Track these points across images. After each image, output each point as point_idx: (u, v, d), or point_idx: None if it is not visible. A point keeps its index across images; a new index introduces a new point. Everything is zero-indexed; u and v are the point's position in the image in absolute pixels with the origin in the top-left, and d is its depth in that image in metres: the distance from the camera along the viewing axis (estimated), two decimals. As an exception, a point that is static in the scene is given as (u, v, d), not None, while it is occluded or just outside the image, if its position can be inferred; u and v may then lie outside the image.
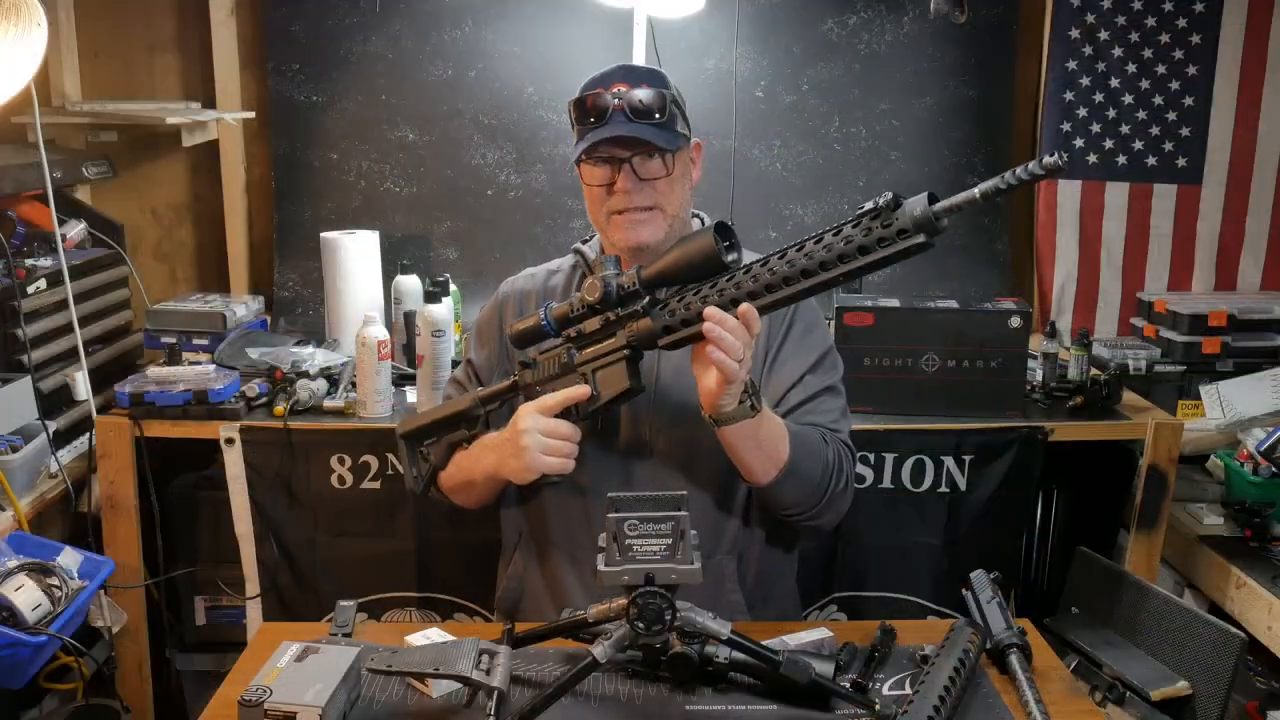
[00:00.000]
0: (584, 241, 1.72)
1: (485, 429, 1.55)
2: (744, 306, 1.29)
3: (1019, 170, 1.11)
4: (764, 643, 1.31)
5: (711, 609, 1.31)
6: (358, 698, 1.31)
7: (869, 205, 1.19)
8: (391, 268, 2.52)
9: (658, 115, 1.49)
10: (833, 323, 2.22)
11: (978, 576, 1.49)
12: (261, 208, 2.85)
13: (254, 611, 2.25)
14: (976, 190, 1.13)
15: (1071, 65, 2.85)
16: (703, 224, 1.66)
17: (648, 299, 1.39)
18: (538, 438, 1.43)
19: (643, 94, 1.48)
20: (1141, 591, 2.12)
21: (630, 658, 1.31)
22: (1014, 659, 1.37)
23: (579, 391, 1.44)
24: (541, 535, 1.63)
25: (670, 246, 1.37)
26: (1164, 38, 2.84)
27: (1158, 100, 2.87)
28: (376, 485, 2.16)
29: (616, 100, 1.48)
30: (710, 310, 1.30)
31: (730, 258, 1.32)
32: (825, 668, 1.30)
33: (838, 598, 2.30)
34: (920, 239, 1.15)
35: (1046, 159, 1.09)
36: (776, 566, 1.68)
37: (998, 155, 2.90)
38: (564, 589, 1.60)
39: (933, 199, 1.16)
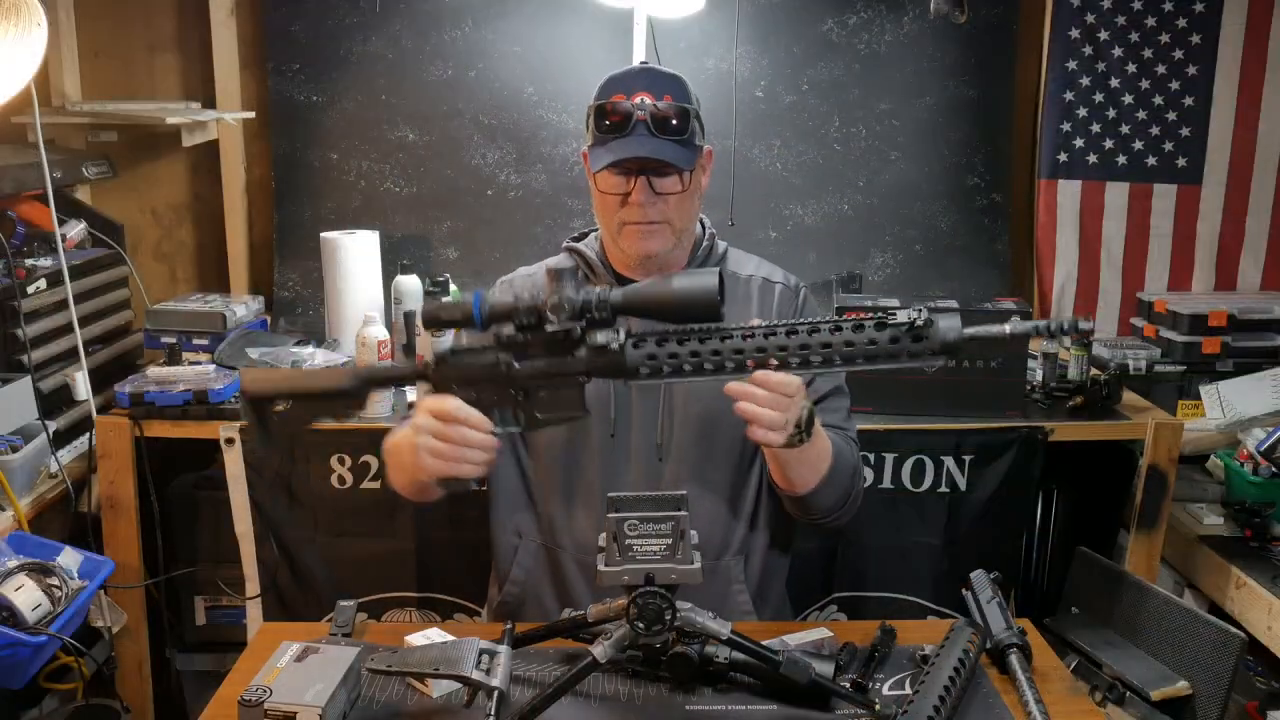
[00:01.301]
0: (577, 239, 1.70)
1: (362, 406, 1.39)
2: (781, 378, 1.23)
3: (1051, 324, 1.14)
4: (764, 643, 1.31)
5: (720, 610, 1.31)
6: (358, 698, 1.31)
7: (904, 318, 1.15)
8: (391, 268, 2.52)
9: (681, 132, 1.48)
10: (833, 323, 2.21)
11: (978, 576, 1.49)
12: (261, 208, 2.85)
13: (254, 611, 2.25)
14: (1006, 328, 1.14)
15: (1071, 65, 2.85)
16: (703, 228, 1.66)
17: (624, 333, 1.24)
18: (428, 439, 1.30)
19: (667, 107, 1.47)
20: (1141, 591, 2.12)
21: (630, 658, 1.31)
22: (1014, 659, 1.37)
23: (480, 425, 1.29)
24: (550, 538, 1.63)
25: (656, 282, 1.23)
26: (1164, 38, 2.84)
27: (1158, 100, 2.88)
28: (376, 485, 2.16)
29: (640, 111, 1.46)
30: (737, 388, 1.23)
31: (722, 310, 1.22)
32: (825, 668, 1.30)
33: (838, 598, 2.30)
34: (943, 360, 1.16)
35: (1082, 323, 1.13)
36: (774, 569, 1.69)
37: (998, 155, 2.90)
38: (573, 591, 1.60)
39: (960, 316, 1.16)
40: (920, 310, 1.14)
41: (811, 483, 1.48)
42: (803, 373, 1.21)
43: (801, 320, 1.20)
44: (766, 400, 1.26)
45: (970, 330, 1.15)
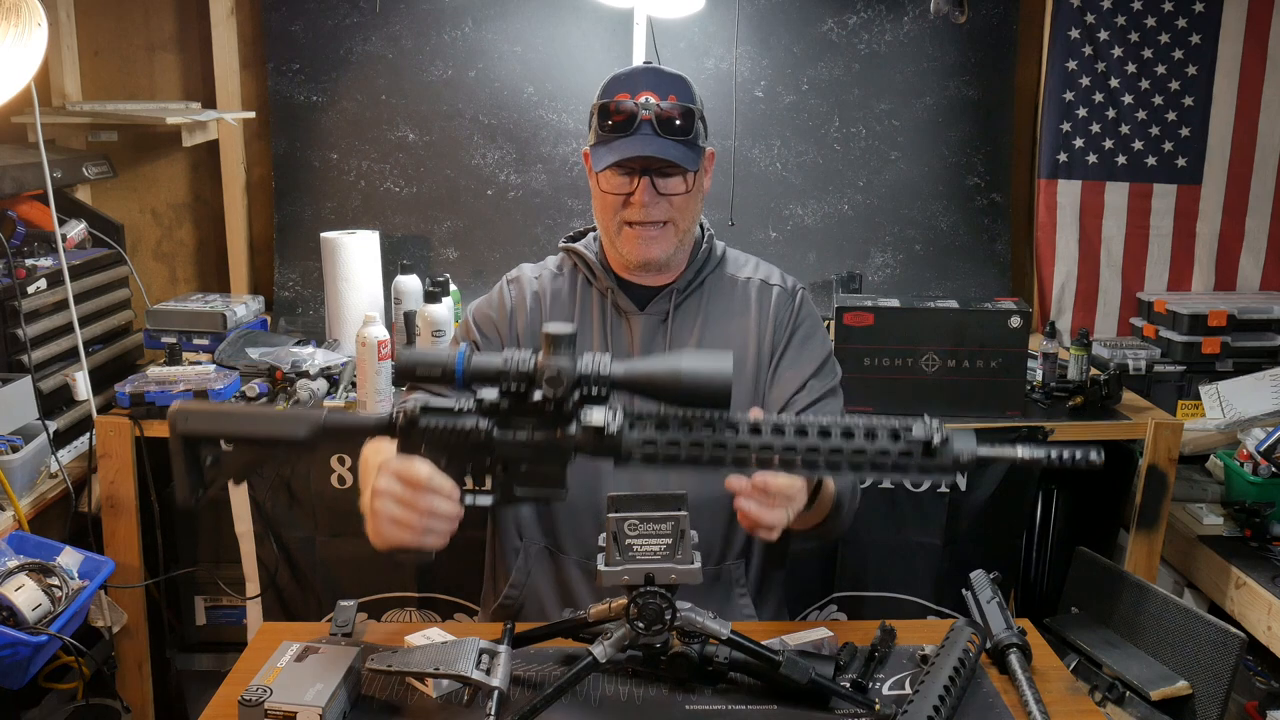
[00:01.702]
0: (572, 239, 1.67)
1: (314, 457, 1.29)
2: (783, 483, 1.20)
3: (1064, 454, 1.12)
4: (764, 643, 1.31)
5: (722, 613, 1.30)
6: (358, 698, 1.31)
7: (919, 433, 1.12)
8: (391, 268, 2.53)
9: (686, 132, 1.48)
10: (833, 323, 2.22)
11: (978, 576, 1.49)
12: (261, 208, 2.85)
13: (254, 611, 2.25)
14: (1017, 452, 1.14)
15: (1071, 65, 2.85)
16: (702, 230, 1.64)
17: (620, 412, 1.16)
18: (390, 505, 1.19)
19: (672, 107, 1.47)
20: (1141, 591, 2.12)
21: (630, 658, 1.31)
22: (1014, 659, 1.37)
23: (450, 495, 1.19)
24: (552, 541, 1.63)
25: (663, 360, 1.15)
26: (1164, 38, 2.85)
27: (1158, 100, 2.88)
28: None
29: (645, 111, 1.46)
30: (737, 484, 1.20)
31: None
32: (825, 668, 1.30)
33: (838, 598, 2.30)
34: (954, 477, 1.15)
35: (1092, 455, 1.12)
36: (773, 573, 1.69)
37: (998, 155, 2.91)
38: (574, 594, 1.60)
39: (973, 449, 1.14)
40: (938, 427, 1.12)
41: (814, 521, 1.49)
42: (806, 474, 1.18)
43: (812, 420, 1.15)
44: (767, 502, 1.22)
45: (983, 450, 1.13)
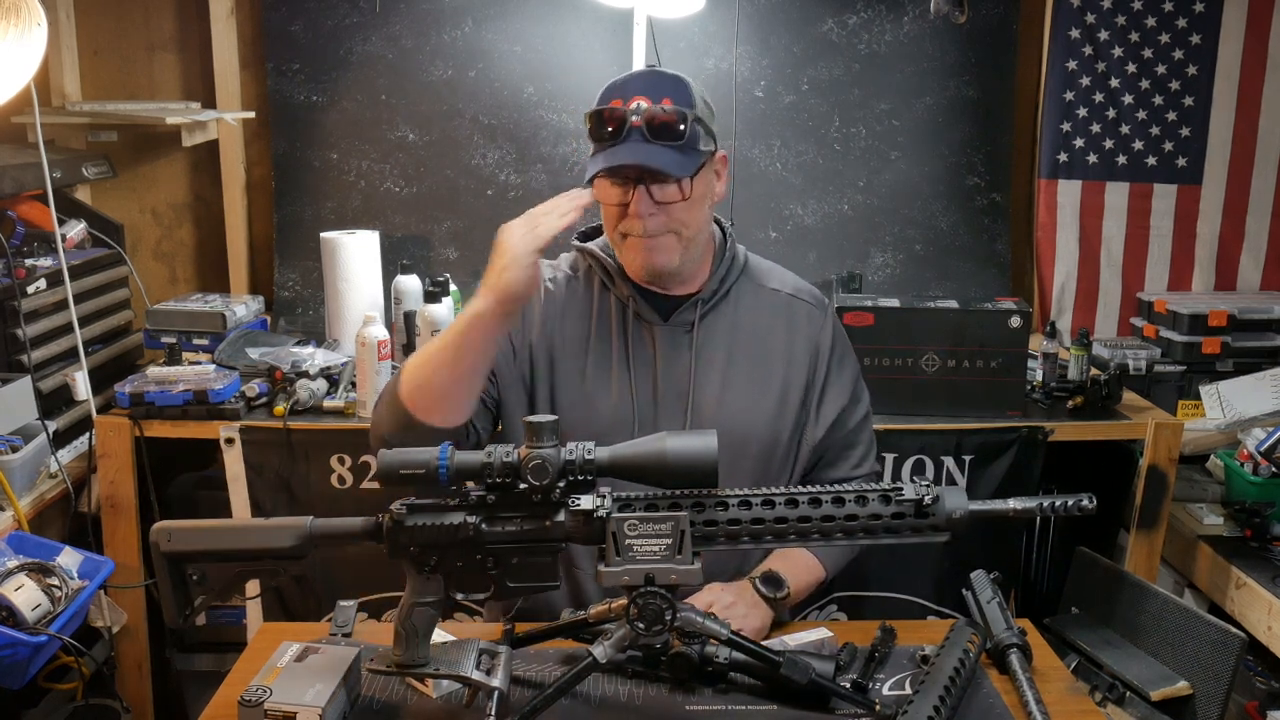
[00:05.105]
0: (585, 236, 1.63)
1: (304, 566, 1.26)
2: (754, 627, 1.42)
3: (1057, 504, 1.14)
4: (764, 643, 1.30)
5: None
6: (358, 698, 1.31)
7: (910, 494, 1.14)
8: (391, 268, 2.52)
9: (677, 138, 1.40)
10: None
11: (978, 576, 1.49)
12: (261, 208, 2.85)
13: (254, 611, 2.25)
14: (1010, 505, 1.15)
15: (1071, 65, 2.85)
16: (721, 231, 1.60)
17: (609, 498, 1.17)
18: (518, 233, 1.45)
19: (663, 111, 1.40)
20: (1141, 591, 2.12)
21: (630, 658, 1.30)
22: (1014, 659, 1.37)
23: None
24: (566, 553, 1.60)
25: (648, 443, 1.16)
26: (1164, 38, 2.85)
27: (1158, 100, 2.88)
28: (376, 485, 2.15)
29: (635, 117, 1.40)
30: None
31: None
32: (825, 668, 1.30)
33: (838, 598, 2.30)
34: (944, 537, 1.16)
35: (1084, 502, 1.13)
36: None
37: (998, 155, 2.90)
38: (588, 603, 1.58)
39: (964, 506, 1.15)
40: (927, 487, 1.14)
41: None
42: (799, 544, 1.19)
43: (801, 489, 1.16)
44: None
45: (975, 506, 1.15)
